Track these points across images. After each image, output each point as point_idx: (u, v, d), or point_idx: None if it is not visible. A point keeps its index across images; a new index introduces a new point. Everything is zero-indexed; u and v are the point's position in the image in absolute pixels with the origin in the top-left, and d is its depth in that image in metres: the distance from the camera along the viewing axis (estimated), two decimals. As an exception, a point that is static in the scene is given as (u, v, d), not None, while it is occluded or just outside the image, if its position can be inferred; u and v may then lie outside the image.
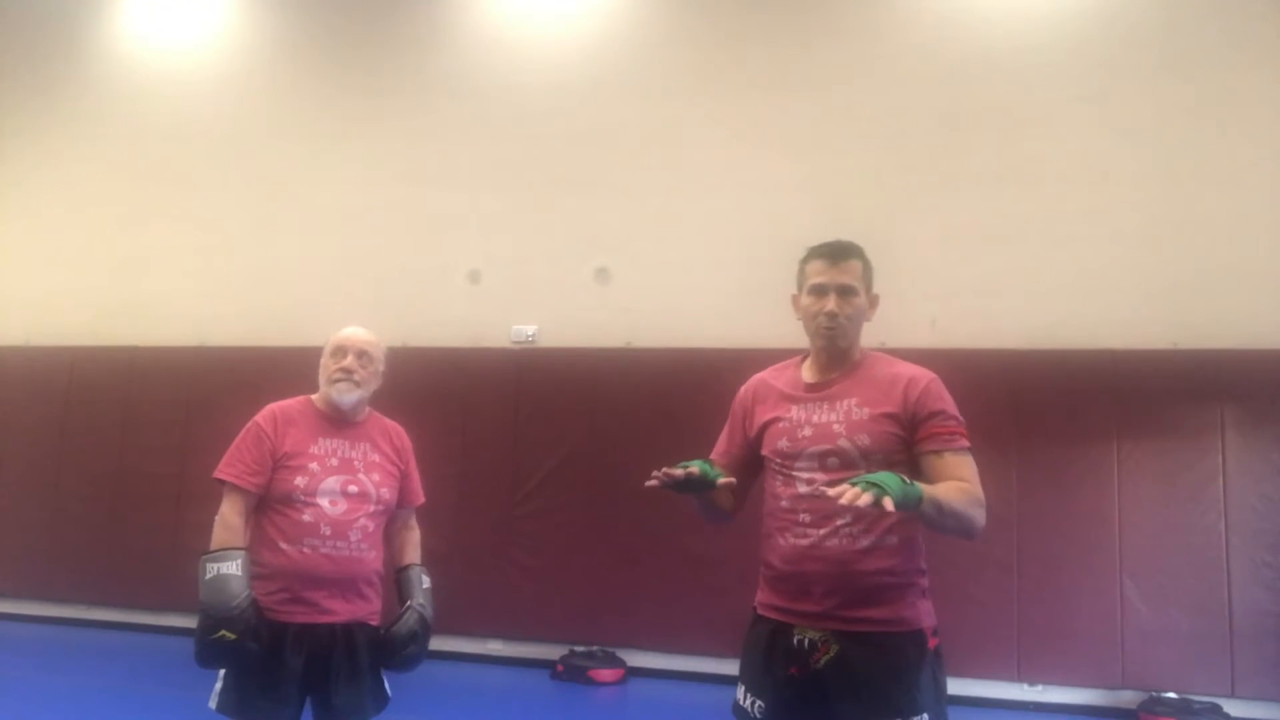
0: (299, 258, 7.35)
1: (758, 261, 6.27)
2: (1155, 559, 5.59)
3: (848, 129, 6.55)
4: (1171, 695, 5.36)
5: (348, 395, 2.70)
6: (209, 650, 2.43)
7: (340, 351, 2.72)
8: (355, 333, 2.78)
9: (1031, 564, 5.69)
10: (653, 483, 2.07)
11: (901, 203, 6.32)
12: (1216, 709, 5.28)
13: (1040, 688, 5.66)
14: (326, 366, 2.72)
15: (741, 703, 2.22)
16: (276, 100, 7.68)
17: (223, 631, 2.38)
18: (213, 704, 2.55)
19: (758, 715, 2.16)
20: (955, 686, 6.33)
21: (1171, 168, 6.03)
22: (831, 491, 1.84)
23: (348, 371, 2.69)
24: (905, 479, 1.87)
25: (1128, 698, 5.51)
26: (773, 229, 6.33)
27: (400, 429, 2.91)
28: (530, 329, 6.85)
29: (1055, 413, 5.84)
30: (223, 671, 2.55)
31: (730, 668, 2.34)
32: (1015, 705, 5.62)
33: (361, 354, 2.73)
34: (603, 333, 6.66)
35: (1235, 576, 5.46)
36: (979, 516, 2.06)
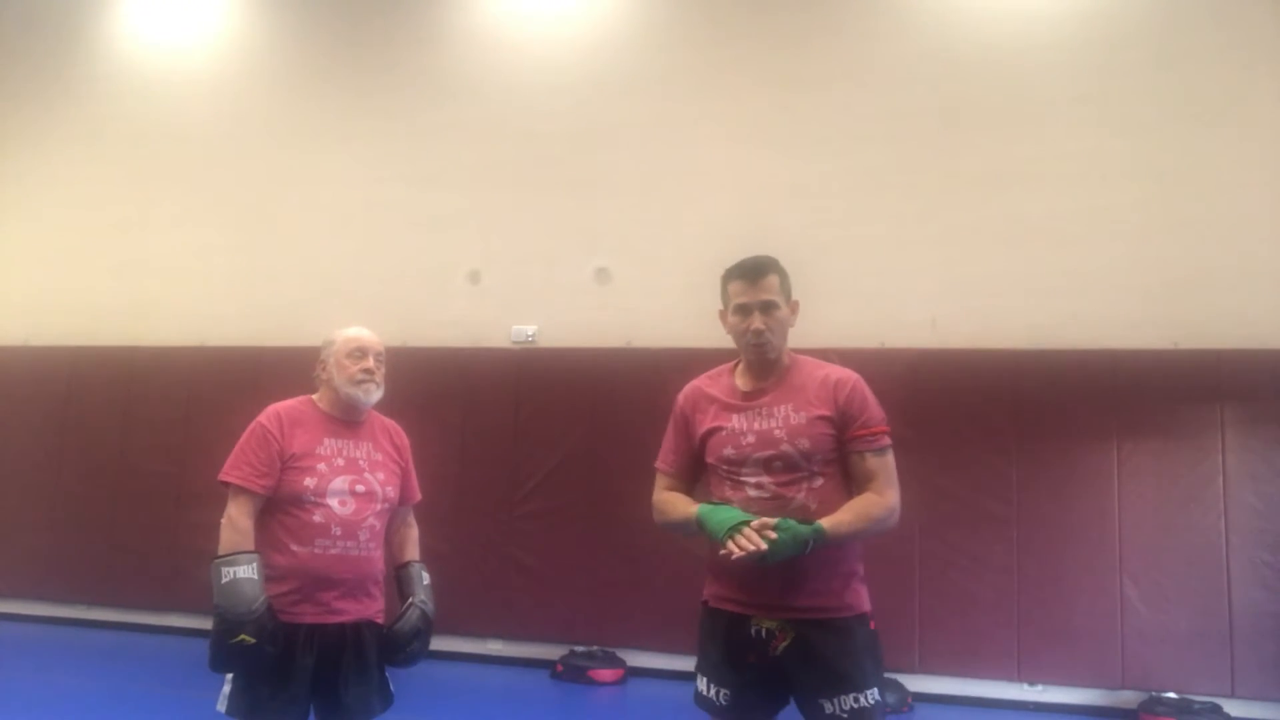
0: (299, 258, 7.35)
1: (758, 261, 6.27)
2: (1155, 559, 5.59)
3: (848, 129, 6.55)
4: (1171, 695, 5.37)
5: (374, 396, 2.78)
6: (226, 654, 2.42)
7: (361, 353, 2.77)
8: (369, 334, 2.83)
9: (1031, 564, 5.69)
10: (739, 555, 2.11)
11: (901, 203, 6.31)
12: (1216, 709, 5.29)
13: (1040, 688, 5.66)
14: (345, 367, 2.74)
15: (705, 693, 2.36)
16: (276, 100, 7.68)
17: (242, 635, 2.38)
18: (221, 706, 2.55)
19: (723, 703, 2.32)
20: (955, 686, 6.31)
21: (1171, 168, 6.04)
22: (733, 554, 2.11)
23: (370, 373, 2.76)
24: (811, 526, 2.15)
25: (1128, 698, 5.51)
26: (772, 229, 6.32)
27: (398, 427, 2.94)
28: (530, 329, 6.85)
29: (1055, 413, 5.83)
30: (230, 674, 2.54)
31: (730, 668, 2.35)
32: (1015, 705, 5.62)
33: (378, 355, 2.81)
34: (603, 333, 6.66)
35: (1235, 576, 5.47)
36: (887, 520, 2.31)
